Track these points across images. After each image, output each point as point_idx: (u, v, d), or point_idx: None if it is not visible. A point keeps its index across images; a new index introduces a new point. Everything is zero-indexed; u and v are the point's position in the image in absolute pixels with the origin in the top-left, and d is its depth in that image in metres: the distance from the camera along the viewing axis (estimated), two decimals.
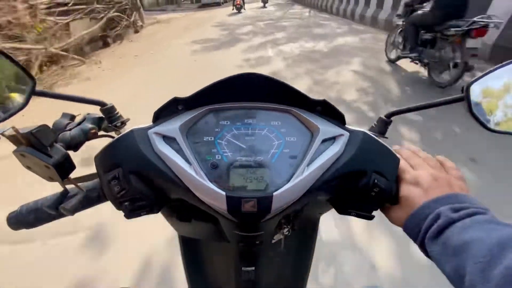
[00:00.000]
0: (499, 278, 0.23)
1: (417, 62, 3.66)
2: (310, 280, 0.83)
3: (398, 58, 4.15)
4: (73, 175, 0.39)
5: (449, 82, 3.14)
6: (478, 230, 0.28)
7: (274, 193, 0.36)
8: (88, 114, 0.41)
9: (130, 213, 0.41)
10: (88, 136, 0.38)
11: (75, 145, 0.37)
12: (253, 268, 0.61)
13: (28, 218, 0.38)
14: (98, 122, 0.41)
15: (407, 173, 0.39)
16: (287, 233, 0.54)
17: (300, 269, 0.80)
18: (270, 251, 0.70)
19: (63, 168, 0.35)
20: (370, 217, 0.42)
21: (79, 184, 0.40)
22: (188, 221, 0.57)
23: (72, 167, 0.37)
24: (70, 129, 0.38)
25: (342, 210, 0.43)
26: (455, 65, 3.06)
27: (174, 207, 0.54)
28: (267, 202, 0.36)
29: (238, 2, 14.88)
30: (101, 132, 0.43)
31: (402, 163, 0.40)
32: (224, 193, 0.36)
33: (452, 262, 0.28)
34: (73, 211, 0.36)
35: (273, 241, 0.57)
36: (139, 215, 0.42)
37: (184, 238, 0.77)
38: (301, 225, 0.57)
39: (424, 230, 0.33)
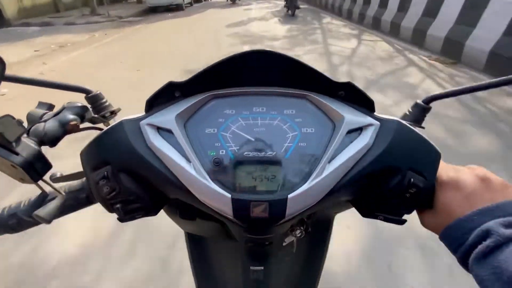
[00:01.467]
0: None
1: (286, 7, 9.62)
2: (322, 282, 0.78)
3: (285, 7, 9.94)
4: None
5: (292, 13, 9.16)
6: None
7: (289, 196, 0.30)
8: (69, 102, 0.36)
9: (124, 217, 0.36)
10: (67, 128, 0.33)
11: (52, 140, 0.32)
12: (262, 267, 0.57)
13: (9, 222, 0.34)
14: (80, 112, 0.35)
15: (446, 173, 0.33)
16: (299, 235, 0.49)
17: (312, 269, 0.76)
18: (281, 251, 0.66)
19: (34, 168, 0.30)
20: (402, 222, 0.35)
21: (63, 184, 0.35)
22: (192, 220, 0.52)
23: (46, 166, 0.31)
24: (45, 121, 0.32)
25: (367, 213, 0.37)
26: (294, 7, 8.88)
27: (175, 204, 0.49)
28: (280, 206, 0.30)
29: None
30: (86, 124, 0.38)
31: (447, 165, 0.34)
32: (229, 195, 0.30)
33: None
34: (50, 219, 0.31)
35: (285, 244, 0.52)
36: (134, 218, 0.37)
37: (191, 235, 0.74)
38: (315, 225, 0.51)
39: (468, 247, 0.27)
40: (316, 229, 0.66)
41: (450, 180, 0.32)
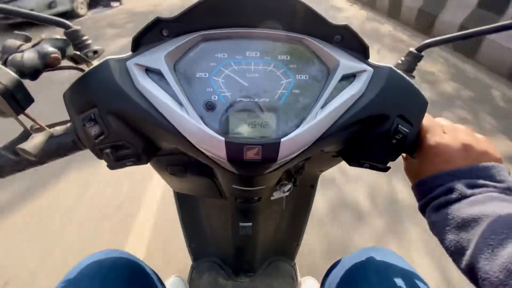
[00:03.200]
0: (506, 257, 0.22)
1: None
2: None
3: None
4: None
5: None
6: (492, 206, 0.26)
7: (282, 140, 0.31)
8: (47, 35, 0.32)
9: (114, 163, 0.35)
10: (47, 61, 0.30)
11: (32, 73, 0.29)
12: (251, 224, 0.59)
13: None
14: (61, 45, 0.32)
15: (433, 134, 0.34)
16: (287, 192, 0.51)
17: (297, 225, 0.80)
18: (268, 208, 0.68)
19: (15, 98, 0.27)
20: (386, 169, 0.38)
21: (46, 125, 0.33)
22: (182, 176, 0.52)
23: (28, 98, 0.29)
24: (22, 51, 0.29)
25: (354, 161, 0.38)
26: None
27: (165, 159, 0.49)
28: (273, 149, 0.31)
29: None
30: (67, 63, 0.35)
31: (434, 121, 0.35)
32: (223, 138, 0.30)
33: (455, 235, 0.27)
34: (36, 152, 0.29)
35: (273, 198, 0.54)
36: (124, 166, 0.36)
37: (180, 194, 0.75)
38: (300, 182, 0.53)
39: (428, 199, 0.31)
40: (302, 187, 0.69)
41: (435, 144, 0.33)
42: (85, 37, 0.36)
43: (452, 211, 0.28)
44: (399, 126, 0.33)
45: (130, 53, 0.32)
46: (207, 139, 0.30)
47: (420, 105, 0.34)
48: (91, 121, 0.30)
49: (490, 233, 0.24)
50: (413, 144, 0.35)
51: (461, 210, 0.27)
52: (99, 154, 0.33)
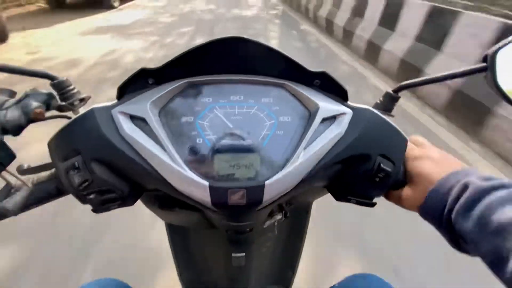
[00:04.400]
0: None
1: None
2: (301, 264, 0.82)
3: None
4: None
5: None
6: None
7: (266, 182, 0.31)
8: (32, 89, 0.33)
9: (99, 208, 0.35)
10: (31, 116, 0.31)
11: (14, 129, 0.30)
12: (244, 254, 0.58)
13: None
14: (46, 99, 0.33)
15: (414, 150, 0.35)
16: (279, 218, 0.51)
17: (292, 253, 0.79)
18: (262, 236, 0.67)
19: None
20: (372, 204, 0.38)
21: (31, 176, 0.33)
22: (172, 210, 0.52)
23: (10, 155, 0.30)
24: (6, 108, 0.30)
25: (341, 197, 0.39)
26: None
27: (154, 194, 0.49)
28: (258, 192, 0.31)
29: None
30: (53, 112, 0.35)
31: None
32: (207, 183, 0.30)
33: (492, 242, 0.23)
34: (16, 210, 0.29)
35: (265, 226, 0.54)
36: (110, 209, 0.36)
37: (171, 225, 0.73)
38: (293, 210, 0.53)
39: (450, 205, 0.27)
40: (295, 215, 0.68)
41: (419, 153, 0.34)
42: (71, 87, 0.37)
43: (482, 214, 0.25)
44: (381, 164, 0.34)
45: (115, 101, 0.33)
46: (191, 185, 0.30)
47: (400, 144, 0.35)
48: (74, 169, 0.30)
49: None
50: (400, 179, 0.36)
51: (492, 212, 0.24)
52: (83, 200, 0.33)
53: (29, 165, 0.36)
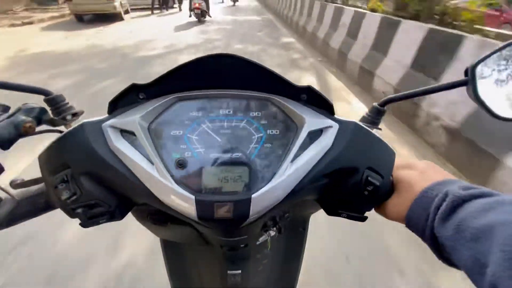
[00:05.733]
0: None
1: None
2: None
3: None
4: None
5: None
6: (499, 213, 0.23)
7: (253, 195, 0.31)
8: (25, 104, 0.35)
9: (87, 222, 0.35)
10: (21, 131, 0.32)
11: (4, 143, 0.31)
12: (240, 271, 0.57)
13: None
14: (37, 114, 0.34)
15: (399, 161, 0.36)
16: (273, 234, 0.50)
17: (290, 270, 0.76)
18: (258, 253, 0.66)
19: None
20: (363, 219, 0.37)
21: (22, 190, 0.33)
22: (164, 225, 0.51)
23: None
24: None
25: (332, 211, 0.38)
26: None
27: (145, 208, 0.48)
28: (244, 206, 0.31)
29: (196, 5, 8.35)
30: (44, 127, 0.37)
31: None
32: (193, 196, 0.30)
33: (471, 249, 0.23)
34: (3, 223, 0.30)
35: (258, 243, 0.53)
36: (98, 223, 0.36)
37: (166, 241, 0.72)
38: (289, 225, 0.52)
39: (432, 214, 0.28)
40: (292, 229, 0.67)
41: (403, 164, 0.35)
42: (64, 102, 0.38)
43: (461, 221, 0.25)
44: (369, 177, 0.34)
45: (106, 115, 0.34)
46: (177, 198, 0.31)
47: (388, 157, 0.35)
48: (63, 183, 0.31)
49: (507, 243, 0.21)
50: (387, 193, 0.36)
51: (470, 219, 0.24)
52: (71, 214, 0.33)
53: (22, 179, 0.36)
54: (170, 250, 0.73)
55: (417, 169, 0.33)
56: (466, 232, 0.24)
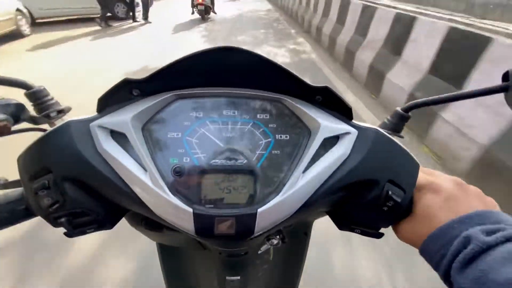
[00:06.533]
0: None
1: None
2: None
3: None
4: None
5: None
6: None
7: (259, 210, 0.27)
8: (1, 99, 0.30)
9: (73, 231, 0.31)
10: None
11: None
12: (239, 277, 0.54)
13: None
14: (13, 111, 0.30)
15: (423, 178, 0.32)
16: (276, 244, 0.46)
17: (291, 277, 0.74)
18: (257, 259, 0.63)
19: None
20: (379, 235, 0.34)
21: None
22: (159, 231, 0.48)
23: None
24: None
25: (344, 226, 0.34)
26: None
27: (139, 214, 0.45)
28: (248, 222, 0.27)
29: (199, 0, 7.49)
30: (24, 125, 0.32)
31: (422, 177, 0.32)
32: (190, 209, 0.27)
33: None
34: None
35: (260, 252, 0.49)
36: (85, 233, 0.32)
37: (162, 245, 0.69)
38: (292, 233, 0.49)
39: (450, 257, 0.26)
40: (294, 236, 0.64)
41: (428, 183, 0.31)
42: (48, 97, 0.34)
43: (482, 272, 0.23)
44: (390, 192, 0.30)
45: (95, 113, 0.30)
46: (172, 211, 0.27)
47: (411, 169, 0.31)
48: (44, 189, 0.27)
49: None
50: (406, 209, 0.32)
51: (491, 270, 0.23)
52: (54, 223, 0.30)
53: (6, 179, 0.32)
54: (166, 253, 0.70)
55: (441, 193, 0.29)
56: (486, 285, 0.22)
